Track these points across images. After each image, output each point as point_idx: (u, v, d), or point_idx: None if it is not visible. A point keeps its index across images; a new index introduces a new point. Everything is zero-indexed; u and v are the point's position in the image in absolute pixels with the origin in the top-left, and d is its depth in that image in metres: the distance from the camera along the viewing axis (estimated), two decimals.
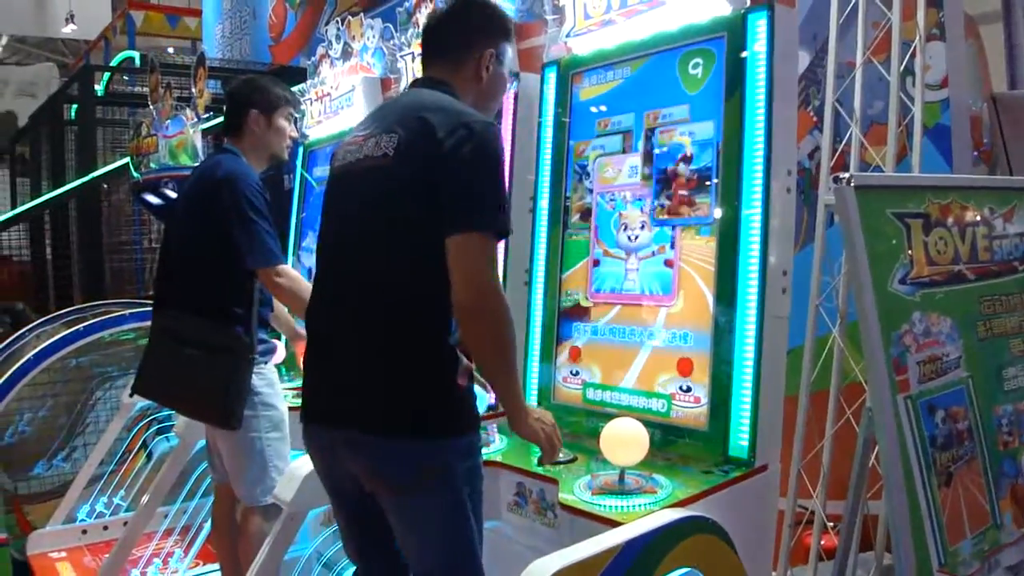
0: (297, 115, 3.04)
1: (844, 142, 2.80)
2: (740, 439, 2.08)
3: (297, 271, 3.05)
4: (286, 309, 2.95)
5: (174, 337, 2.68)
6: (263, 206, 2.64)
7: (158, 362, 2.75)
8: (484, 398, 2.09)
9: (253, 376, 2.62)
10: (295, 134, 2.89)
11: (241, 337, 2.62)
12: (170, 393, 2.78)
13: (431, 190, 1.72)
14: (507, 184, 2.78)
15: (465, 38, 2.00)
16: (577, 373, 2.49)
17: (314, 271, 2.00)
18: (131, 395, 3.14)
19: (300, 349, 2.98)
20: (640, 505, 1.87)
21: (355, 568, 2.04)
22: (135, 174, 4.66)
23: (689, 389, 2.20)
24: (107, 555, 3.33)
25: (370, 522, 1.89)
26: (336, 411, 1.81)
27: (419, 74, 2.14)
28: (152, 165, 4.45)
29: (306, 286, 2.48)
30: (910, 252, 2.00)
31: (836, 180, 1.93)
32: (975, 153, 3.33)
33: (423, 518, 1.78)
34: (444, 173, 1.72)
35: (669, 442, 2.17)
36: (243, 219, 2.59)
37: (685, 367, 2.22)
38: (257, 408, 2.66)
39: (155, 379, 2.78)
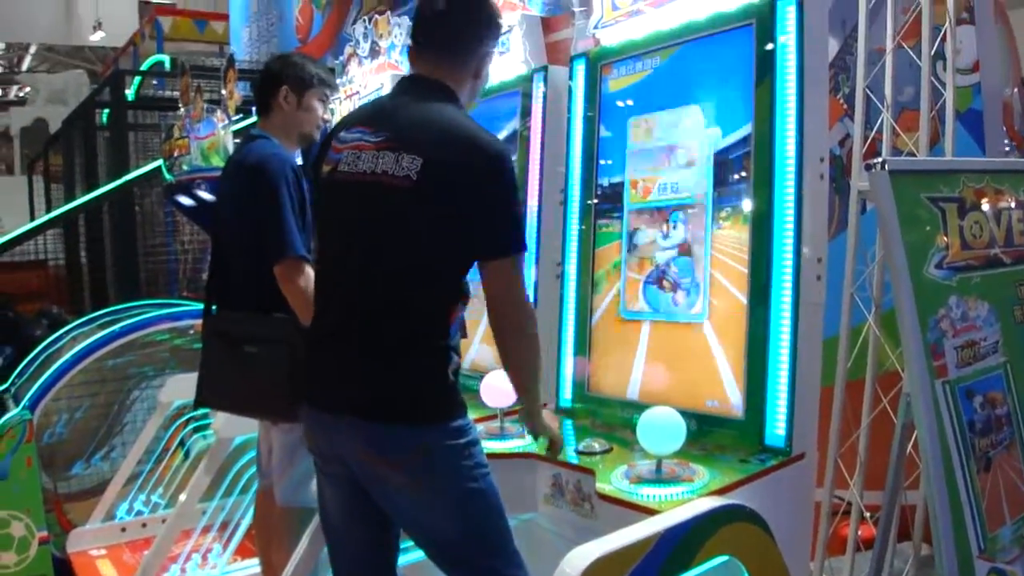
0: (332, 97, 2.94)
1: (875, 129, 2.78)
2: (777, 428, 2.07)
3: None
4: None
5: (230, 338, 2.61)
6: (293, 193, 2.53)
7: (217, 367, 2.67)
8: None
9: None
10: (328, 117, 2.79)
11: (299, 327, 2.47)
12: (233, 396, 2.66)
13: (457, 219, 1.78)
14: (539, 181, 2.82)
15: (473, 32, 1.94)
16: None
17: (315, 273, 2.06)
18: (195, 408, 3.08)
19: None
20: (678, 494, 1.87)
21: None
22: (168, 176, 4.71)
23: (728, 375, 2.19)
24: (146, 552, 3.36)
25: (358, 507, 1.93)
26: (343, 400, 1.86)
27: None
28: (184, 167, 4.49)
29: None
30: (945, 237, 1.98)
31: (869, 167, 1.92)
32: (1006, 140, 3.29)
33: (430, 492, 1.83)
34: (475, 204, 1.78)
35: (705, 432, 2.16)
36: (272, 206, 2.50)
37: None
38: None
39: (216, 385, 2.69)
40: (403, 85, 1.98)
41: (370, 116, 1.95)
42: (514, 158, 2.89)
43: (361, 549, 2.00)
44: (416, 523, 1.91)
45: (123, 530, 3.98)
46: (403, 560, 2.05)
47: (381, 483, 1.87)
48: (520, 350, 1.89)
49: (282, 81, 2.71)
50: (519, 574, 1.86)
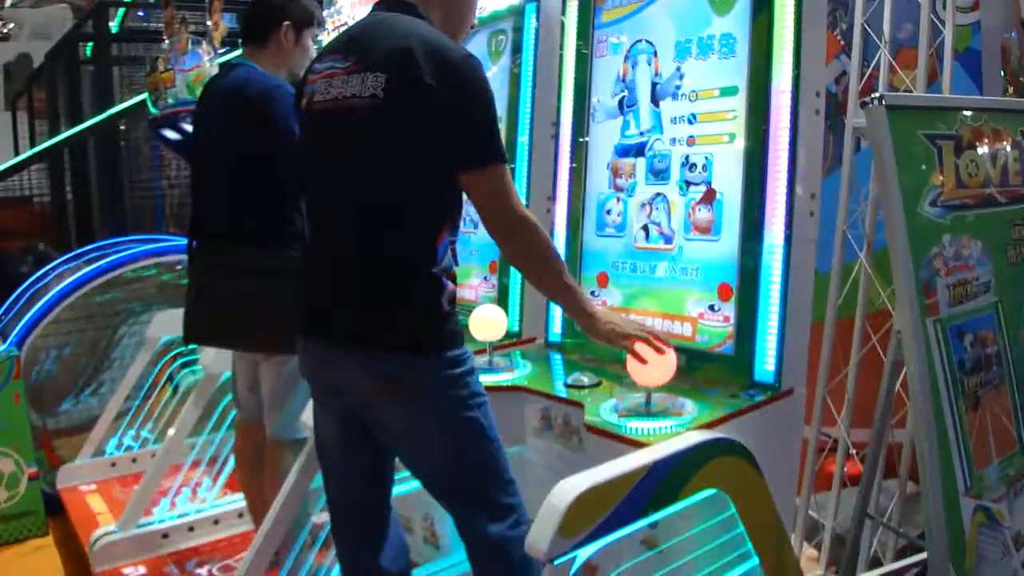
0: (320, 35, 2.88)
1: (872, 66, 2.74)
2: (766, 364, 2.07)
3: None
4: None
5: (220, 272, 2.57)
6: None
7: (206, 302, 2.61)
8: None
9: None
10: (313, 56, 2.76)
11: (295, 258, 2.42)
12: (224, 331, 2.62)
13: (423, 133, 1.73)
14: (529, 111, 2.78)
15: None
16: (596, 295, 2.49)
17: (304, 203, 2.03)
18: (183, 344, 3.05)
19: None
20: (666, 427, 1.87)
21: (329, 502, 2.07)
22: (153, 109, 4.62)
23: (719, 309, 2.19)
24: (136, 486, 3.37)
25: (354, 438, 1.94)
26: (336, 328, 1.86)
27: None
28: (170, 100, 4.39)
29: None
30: (941, 175, 1.96)
31: (865, 103, 1.90)
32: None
33: (423, 422, 1.83)
34: (439, 117, 1.72)
35: (695, 367, 2.16)
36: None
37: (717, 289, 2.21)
38: None
39: (205, 321, 2.63)
40: (372, 11, 1.93)
41: (340, 44, 1.92)
42: (505, 92, 2.86)
43: (356, 481, 2.01)
44: (410, 453, 1.92)
45: (113, 465, 4.00)
46: (396, 491, 2.06)
47: (375, 412, 1.87)
48: (529, 260, 1.86)
49: (286, 16, 2.65)
50: (513, 503, 1.86)
